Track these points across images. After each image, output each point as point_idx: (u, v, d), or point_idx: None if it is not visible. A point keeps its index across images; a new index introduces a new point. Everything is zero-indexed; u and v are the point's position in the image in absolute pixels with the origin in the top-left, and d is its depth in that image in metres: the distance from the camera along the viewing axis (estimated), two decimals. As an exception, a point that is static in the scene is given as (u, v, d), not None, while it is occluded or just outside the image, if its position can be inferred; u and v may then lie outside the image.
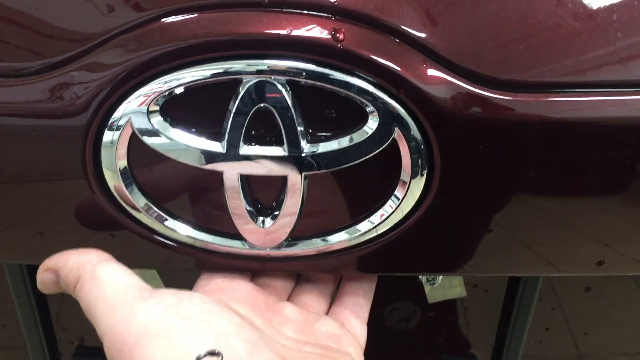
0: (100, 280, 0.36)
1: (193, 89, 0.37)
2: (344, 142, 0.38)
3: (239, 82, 0.37)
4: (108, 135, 0.38)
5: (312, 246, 0.42)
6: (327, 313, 0.47)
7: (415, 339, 0.61)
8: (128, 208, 0.41)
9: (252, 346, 0.35)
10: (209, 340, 0.34)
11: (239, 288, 0.44)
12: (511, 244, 0.42)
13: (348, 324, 0.45)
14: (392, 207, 0.40)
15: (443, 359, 0.62)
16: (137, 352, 0.33)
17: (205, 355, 0.33)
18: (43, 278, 0.39)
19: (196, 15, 0.36)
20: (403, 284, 0.58)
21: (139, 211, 0.41)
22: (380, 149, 0.38)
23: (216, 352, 0.33)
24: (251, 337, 0.35)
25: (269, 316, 0.43)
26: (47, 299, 0.57)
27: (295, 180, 0.39)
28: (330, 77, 0.37)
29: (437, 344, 0.62)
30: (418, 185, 0.40)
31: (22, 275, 0.53)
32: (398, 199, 0.40)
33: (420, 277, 0.54)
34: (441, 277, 0.54)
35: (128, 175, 0.40)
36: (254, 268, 0.44)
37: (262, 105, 0.37)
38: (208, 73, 0.37)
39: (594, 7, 0.38)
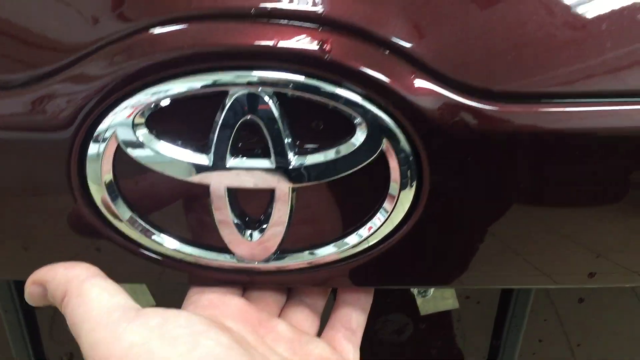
0: (86, 298, 0.36)
1: (179, 101, 0.37)
2: (331, 154, 0.38)
3: (225, 94, 0.37)
4: (93, 148, 0.38)
5: (301, 259, 0.41)
6: (318, 333, 0.46)
7: (408, 352, 0.61)
8: (114, 221, 0.40)
9: None
10: None
11: (231, 304, 0.44)
12: (502, 255, 0.42)
13: (341, 348, 0.44)
14: (380, 220, 0.40)
15: (436, 372, 0.62)
16: None
17: None
18: (31, 291, 0.39)
19: (182, 26, 0.36)
20: (395, 296, 0.58)
21: (125, 224, 0.40)
22: (368, 161, 0.38)
23: None
24: (237, 358, 0.35)
25: (262, 332, 0.43)
26: (35, 314, 0.57)
27: (283, 192, 0.38)
28: (318, 88, 0.36)
29: (430, 357, 0.61)
30: (407, 197, 0.39)
31: (10, 291, 0.53)
32: (387, 211, 0.40)
33: (412, 289, 0.54)
34: (433, 289, 0.54)
35: (114, 189, 0.39)
36: (243, 281, 0.44)
37: (249, 117, 0.37)
38: (194, 85, 0.36)
39: (583, 17, 0.38)
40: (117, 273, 0.42)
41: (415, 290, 0.54)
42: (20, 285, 0.53)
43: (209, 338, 0.35)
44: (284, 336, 0.43)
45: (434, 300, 0.57)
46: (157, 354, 0.33)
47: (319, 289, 0.47)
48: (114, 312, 0.35)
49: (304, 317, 0.46)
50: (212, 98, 0.37)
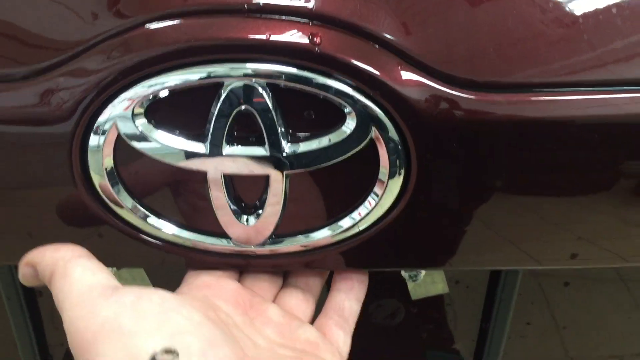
0: (69, 278, 0.38)
1: (177, 92, 0.39)
2: (323, 142, 0.40)
3: (220, 85, 0.38)
4: (94, 139, 0.39)
5: (296, 243, 0.43)
6: (311, 321, 0.48)
7: (400, 336, 0.63)
8: (115, 208, 0.42)
9: (208, 344, 0.36)
10: (164, 338, 0.34)
11: (225, 286, 0.45)
12: (488, 238, 0.44)
13: (330, 335, 0.46)
14: (371, 205, 0.42)
15: (427, 356, 0.64)
16: (93, 349, 0.34)
17: (161, 353, 0.33)
18: (23, 272, 0.41)
19: (179, 21, 0.37)
20: (387, 281, 0.59)
21: (126, 211, 0.42)
22: (358, 149, 0.40)
23: (172, 350, 0.34)
24: (208, 334, 0.36)
25: (252, 315, 0.44)
26: (37, 301, 0.58)
27: (277, 179, 0.40)
28: (309, 79, 0.38)
29: (421, 341, 0.63)
30: (396, 184, 0.41)
31: (13, 278, 0.54)
32: (377, 196, 0.42)
33: (403, 273, 0.56)
34: (423, 273, 0.56)
35: (115, 177, 0.41)
36: (239, 264, 0.45)
37: (244, 107, 0.38)
38: (191, 77, 0.38)
39: (562, 10, 0.40)
40: (118, 258, 0.44)
41: (406, 275, 0.56)
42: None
43: (179, 314, 0.37)
44: (274, 320, 0.44)
45: (425, 285, 0.59)
46: (126, 329, 0.35)
47: (314, 276, 0.48)
48: (93, 290, 0.37)
49: (298, 303, 0.47)
50: (208, 89, 0.38)
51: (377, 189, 0.42)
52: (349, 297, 0.47)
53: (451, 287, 0.60)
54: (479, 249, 0.45)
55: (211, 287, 0.45)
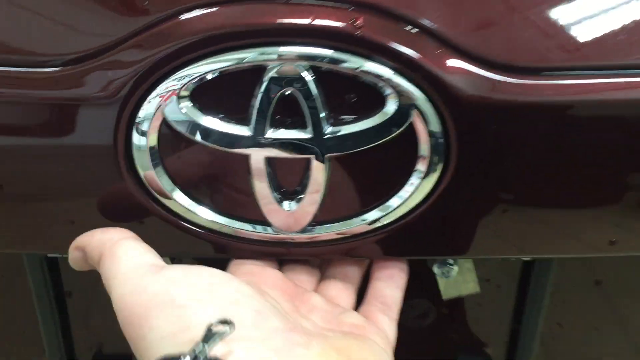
0: (116, 258, 0.38)
1: (221, 77, 0.39)
2: (364, 124, 0.40)
3: (264, 69, 0.39)
4: (140, 123, 0.40)
5: (336, 229, 0.43)
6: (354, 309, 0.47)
7: (430, 337, 0.62)
8: (158, 196, 0.42)
9: (258, 314, 0.36)
10: (216, 309, 0.35)
11: (269, 274, 0.46)
12: (529, 224, 0.44)
13: (375, 319, 0.46)
14: (410, 190, 0.42)
15: (458, 358, 0.63)
16: (146, 323, 0.35)
17: (216, 324, 0.33)
18: (73, 256, 0.41)
19: (228, 7, 0.38)
20: (418, 280, 0.59)
21: (168, 198, 0.42)
22: (399, 132, 0.40)
23: (228, 320, 0.34)
24: (259, 306, 0.37)
25: (297, 303, 0.44)
26: (66, 303, 0.58)
27: (319, 162, 0.40)
28: (351, 62, 0.39)
29: (451, 342, 0.63)
30: (436, 168, 0.41)
31: (44, 278, 0.54)
32: (416, 181, 0.42)
33: (435, 269, 0.55)
34: (456, 270, 0.55)
35: (158, 163, 0.41)
36: (280, 253, 0.45)
37: (287, 90, 0.39)
38: (236, 61, 0.38)
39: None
40: (158, 246, 0.44)
41: (438, 271, 0.55)
42: (54, 275, 0.55)
43: (230, 286, 0.37)
44: (319, 307, 0.45)
45: (456, 284, 0.59)
46: (178, 301, 0.35)
47: (352, 266, 0.48)
48: (140, 268, 0.38)
49: (338, 293, 0.47)
50: (252, 73, 0.39)
51: (416, 174, 0.42)
52: (389, 285, 0.47)
53: (482, 286, 0.59)
54: (519, 235, 0.45)
55: (255, 274, 0.45)
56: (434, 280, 0.59)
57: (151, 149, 0.41)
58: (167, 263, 0.39)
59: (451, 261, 0.55)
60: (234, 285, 0.37)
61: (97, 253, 0.40)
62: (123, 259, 0.38)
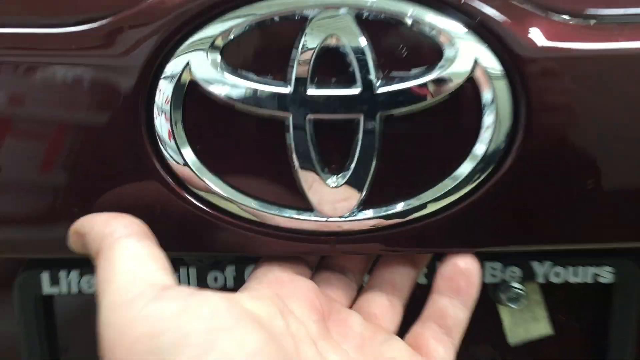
0: (113, 263, 0.33)
1: (255, 30, 0.35)
2: (419, 81, 0.35)
3: (305, 19, 0.35)
4: (163, 84, 0.35)
5: (394, 209, 0.37)
6: (403, 328, 0.40)
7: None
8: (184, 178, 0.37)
9: None
10: None
11: (300, 285, 0.38)
12: (609, 206, 0.38)
13: (427, 349, 0.38)
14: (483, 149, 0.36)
15: None
16: None
17: None
18: (72, 240, 0.36)
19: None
20: (478, 321, 0.50)
21: (191, 171, 0.36)
22: (458, 87, 0.35)
23: None
24: None
25: (330, 325, 0.37)
26: (56, 329, 0.50)
27: (370, 122, 0.35)
28: (403, 12, 0.35)
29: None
30: (502, 130, 0.36)
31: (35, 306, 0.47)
32: (480, 152, 0.36)
33: (499, 296, 0.47)
34: (524, 296, 0.47)
35: (182, 132, 0.36)
36: (322, 250, 0.38)
37: (331, 41, 0.35)
38: (275, 9, 0.35)
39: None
40: (179, 240, 0.38)
41: (504, 297, 0.47)
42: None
43: (230, 338, 0.30)
44: (355, 330, 0.38)
45: (524, 323, 0.50)
46: (162, 354, 0.29)
47: (402, 274, 0.41)
48: (136, 286, 0.32)
49: (382, 311, 0.40)
50: (291, 25, 0.35)
51: (481, 142, 0.36)
52: (453, 302, 0.39)
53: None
54: (599, 219, 0.38)
55: (284, 284, 0.38)
56: (495, 319, 0.50)
57: (175, 116, 0.36)
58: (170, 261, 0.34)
59: (518, 284, 0.47)
60: (236, 335, 0.30)
61: (95, 246, 0.34)
62: (119, 268, 0.32)
